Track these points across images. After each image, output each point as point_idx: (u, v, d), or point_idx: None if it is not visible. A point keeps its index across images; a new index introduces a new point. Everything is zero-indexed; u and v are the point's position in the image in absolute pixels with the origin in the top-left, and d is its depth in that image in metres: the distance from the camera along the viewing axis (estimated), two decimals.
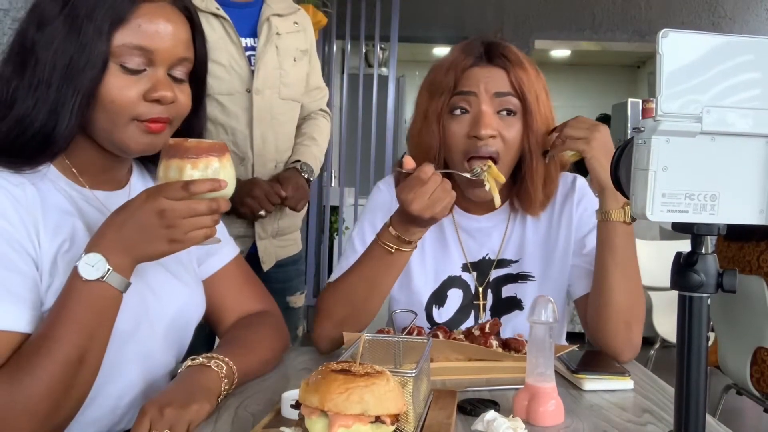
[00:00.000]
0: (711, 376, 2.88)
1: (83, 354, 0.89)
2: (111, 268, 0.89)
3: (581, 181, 1.41)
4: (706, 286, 0.67)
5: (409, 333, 1.20)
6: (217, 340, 1.22)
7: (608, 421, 0.98)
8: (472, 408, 0.98)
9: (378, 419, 0.75)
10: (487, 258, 1.39)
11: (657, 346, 3.51)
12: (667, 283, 0.70)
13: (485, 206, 1.37)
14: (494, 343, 1.17)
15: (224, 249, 1.21)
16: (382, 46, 5.50)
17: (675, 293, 0.70)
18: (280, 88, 1.77)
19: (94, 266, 0.89)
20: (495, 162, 1.23)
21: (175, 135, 1.05)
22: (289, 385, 1.06)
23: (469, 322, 1.36)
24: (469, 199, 1.32)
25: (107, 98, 0.96)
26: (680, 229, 0.67)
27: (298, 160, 1.81)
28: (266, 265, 1.79)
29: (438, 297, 1.38)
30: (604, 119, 6.17)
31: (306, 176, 1.79)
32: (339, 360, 0.82)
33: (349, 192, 5.09)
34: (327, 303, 1.26)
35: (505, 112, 1.27)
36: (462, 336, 1.20)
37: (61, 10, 0.95)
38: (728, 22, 5.58)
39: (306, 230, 4.55)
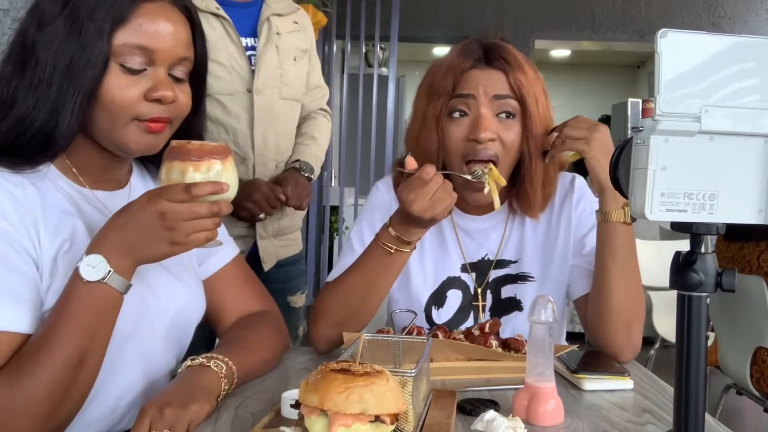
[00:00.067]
0: (711, 376, 2.88)
1: (84, 355, 0.89)
2: (112, 270, 0.89)
3: (580, 180, 1.41)
4: (705, 285, 0.67)
5: (409, 333, 1.20)
6: (218, 340, 1.22)
7: (608, 421, 0.98)
8: (471, 408, 0.98)
9: (377, 419, 0.76)
10: (486, 258, 1.39)
11: (657, 346, 3.51)
12: (667, 283, 0.70)
13: (484, 207, 1.36)
14: (494, 342, 1.17)
15: (224, 249, 1.21)
16: (382, 46, 5.51)
17: (675, 293, 0.70)
18: (281, 88, 1.77)
19: (95, 267, 0.89)
20: (494, 165, 1.23)
21: (175, 135, 1.05)
22: (288, 384, 1.06)
23: (469, 322, 1.36)
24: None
25: (108, 98, 0.96)
26: (679, 228, 0.67)
27: (298, 160, 1.81)
28: (267, 265, 1.79)
29: (437, 298, 1.38)
30: (606, 120, 6.17)
31: (306, 175, 1.79)
32: (339, 360, 0.82)
33: (349, 192, 5.09)
34: (325, 303, 1.26)
35: (504, 115, 1.26)
36: (462, 336, 1.20)
37: (61, 10, 0.95)
38: (728, 22, 5.58)
39: (306, 230, 4.55)
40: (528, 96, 1.26)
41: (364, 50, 5.35)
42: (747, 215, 0.66)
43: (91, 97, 0.95)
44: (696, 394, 0.68)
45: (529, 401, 0.96)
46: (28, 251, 0.93)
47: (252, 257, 1.77)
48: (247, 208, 1.67)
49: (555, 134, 1.28)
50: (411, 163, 1.15)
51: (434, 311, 1.38)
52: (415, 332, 1.21)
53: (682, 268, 0.68)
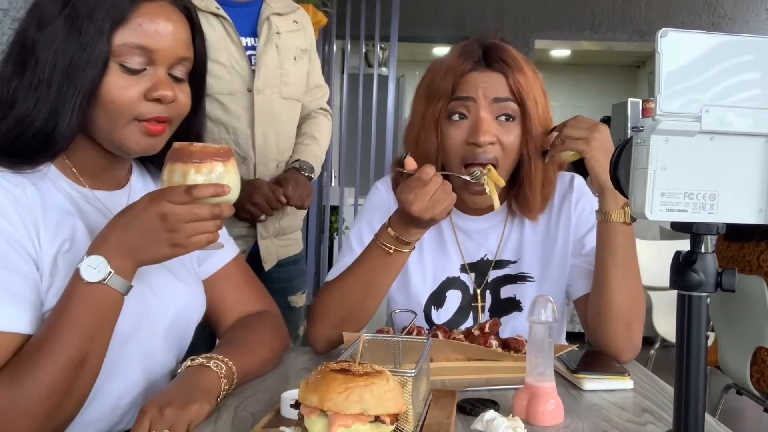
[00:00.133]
0: (711, 376, 2.88)
1: (84, 356, 0.89)
2: (112, 271, 0.89)
3: (579, 180, 1.40)
4: (705, 285, 0.67)
5: (409, 333, 1.20)
6: (218, 340, 1.22)
7: (608, 420, 0.98)
8: (471, 408, 0.98)
9: (377, 419, 0.75)
10: (485, 259, 1.39)
11: (657, 346, 3.51)
12: (667, 283, 0.70)
13: (483, 207, 1.36)
14: (494, 342, 1.17)
15: (224, 249, 1.21)
16: (382, 46, 5.51)
17: (675, 293, 0.70)
18: (281, 88, 1.77)
19: (95, 268, 0.89)
20: (494, 168, 1.23)
21: (175, 135, 1.05)
22: (288, 385, 1.06)
23: (468, 323, 1.36)
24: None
25: (108, 98, 0.96)
26: (679, 228, 0.67)
27: (299, 159, 1.81)
28: (268, 265, 1.79)
29: (436, 298, 1.38)
30: (607, 121, 6.17)
31: (307, 174, 1.79)
32: (338, 360, 0.82)
33: (349, 192, 5.09)
34: (324, 304, 1.26)
35: (503, 118, 1.26)
36: (462, 336, 1.20)
37: (61, 10, 0.95)
38: (728, 22, 5.58)
39: (306, 230, 4.55)
40: (528, 98, 1.26)
41: (364, 50, 5.35)
42: (747, 215, 0.66)
43: (91, 97, 0.95)
44: (696, 394, 0.68)
45: (529, 401, 0.96)
46: (28, 251, 0.93)
47: (253, 257, 1.77)
48: (249, 210, 1.67)
49: (555, 134, 1.28)
50: (410, 163, 1.14)
51: (433, 311, 1.37)
52: (415, 332, 1.21)
53: (682, 267, 0.68)
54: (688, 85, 0.64)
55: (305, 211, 1.90)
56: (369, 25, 4.76)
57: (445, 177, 1.15)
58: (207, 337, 1.40)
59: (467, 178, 1.22)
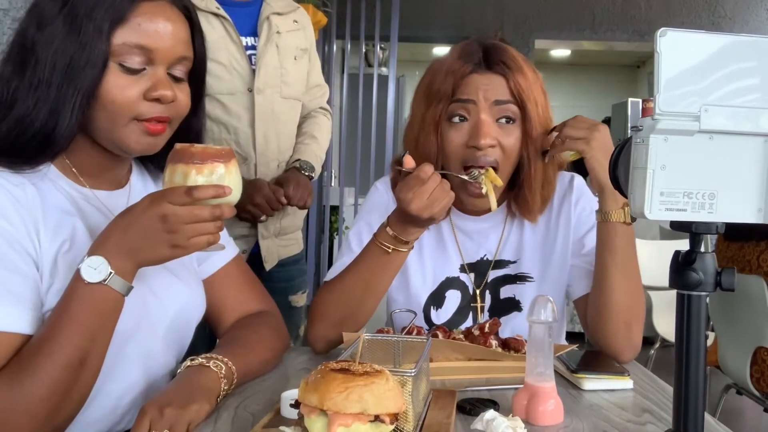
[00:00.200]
0: (711, 376, 2.88)
1: (84, 356, 0.89)
2: (113, 272, 0.89)
3: (579, 180, 1.40)
4: (704, 284, 0.67)
5: (409, 333, 1.20)
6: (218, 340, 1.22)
7: (608, 420, 0.98)
8: (471, 407, 0.98)
9: (377, 418, 0.76)
10: (484, 259, 1.39)
11: (657, 345, 3.51)
12: (667, 283, 0.70)
13: (483, 209, 1.36)
14: (494, 342, 1.17)
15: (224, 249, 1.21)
16: (382, 45, 5.51)
17: (675, 293, 0.70)
18: (281, 87, 1.77)
19: (96, 269, 0.89)
20: (495, 170, 1.24)
21: (175, 134, 1.05)
22: (288, 384, 1.06)
23: (468, 323, 1.36)
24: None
25: (107, 98, 0.96)
26: (678, 227, 0.67)
27: (299, 159, 1.81)
28: (269, 265, 1.79)
29: (436, 298, 1.38)
30: (608, 122, 6.17)
31: (307, 174, 1.79)
32: (338, 359, 0.82)
33: (349, 192, 5.09)
34: (323, 303, 1.26)
35: (504, 120, 1.26)
36: (461, 336, 1.20)
37: (60, 10, 0.95)
38: (728, 22, 5.58)
39: (306, 230, 4.55)
40: (528, 101, 1.25)
41: (364, 50, 5.35)
42: (746, 214, 0.66)
43: (91, 96, 0.95)
44: (695, 394, 0.68)
45: (529, 401, 0.96)
46: (28, 251, 0.93)
47: (254, 257, 1.77)
48: (249, 211, 1.67)
49: (554, 134, 1.28)
50: (409, 161, 1.14)
51: (433, 312, 1.37)
52: (414, 332, 1.21)
53: (681, 267, 0.68)
54: (687, 84, 0.64)
55: (306, 211, 1.90)
56: (369, 25, 4.76)
57: (443, 176, 1.15)
58: (207, 337, 1.40)
59: (465, 177, 1.22)
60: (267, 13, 1.75)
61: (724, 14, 5.60)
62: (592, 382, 1.11)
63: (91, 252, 0.90)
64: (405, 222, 1.16)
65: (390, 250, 1.18)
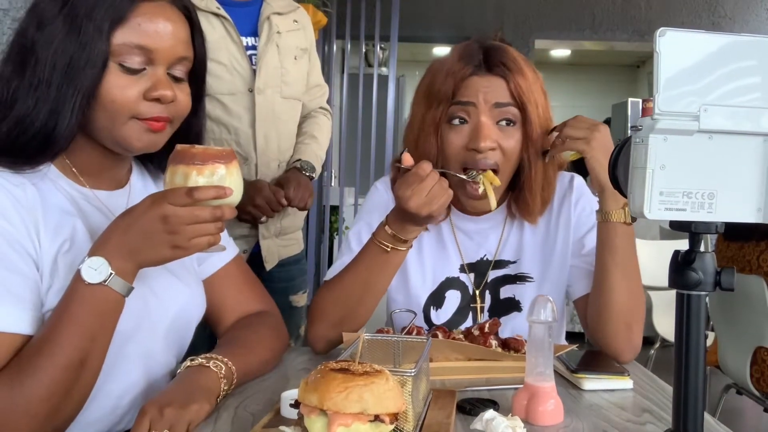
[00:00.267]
0: (711, 376, 2.88)
1: (84, 357, 0.89)
2: (113, 272, 0.89)
3: (579, 180, 1.40)
4: (704, 284, 0.67)
5: (409, 333, 1.20)
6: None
7: (608, 420, 0.98)
8: (471, 407, 0.98)
9: (377, 418, 0.76)
10: (484, 259, 1.39)
11: (657, 345, 3.51)
12: (667, 283, 0.70)
13: (483, 210, 1.36)
14: (493, 342, 1.17)
15: None
16: (382, 45, 5.51)
17: (675, 293, 0.70)
18: (282, 87, 1.77)
19: (96, 270, 0.89)
20: (495, 173, 1.24)
21: (175, 134, 1.05)
22: (288, 384, 1.06)
23: (468, 323, 1.36)
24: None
25: (108, 97, 0.96)
26: (678, 227, 0.67)
27: (300, 159, 1.81)
28: (269, 265, 1.79)
29: (436, 298, 1.38)
30: (608, 122, 6.17)
31: (308, 174, 1.79)
32: (338, 359, 0.82)
33: (349, 192, 5.09)
34: (322, 303, 1.26)
35: (504, 122, 1.25)
36: (461, 336, 1.20)
37: (60, 10, 0.95)
38: (728, 22, 5.58)
39: (306, 230, 4.56)
40: (529, 103, 1.25)
41: (364, 50, 5.35)
42: (746, 214, 0.66)
43: (91, 96, 0.95)
44: (695, 393, 0.68)
45: (529, 401, 0.96)
46: (28, 251, 0.93)
47: (254, 257, 1.77)
48: (250, 212, 1.67)
49: (555, 134, 1.28)
50: (408, 159, 1.14)
51: (433, 312, 1.37)
52: (414, 332, 1.21)
53: (681, 267, 0.68)
54: (687, 84, 0.64)
55: (306, 211, 1.91)
56: (369, 25, 4.76)
57: (442, 175, 1.15)
58: (207, 337, 1.40)
59: (463, 177, 1.22)
60: (267, 13, 1.75)
61: (724, 14, 5.60)
62: (592, 382, 1.11)
63: (92, 253, 0.90)
64: (403, 220, 1.16)
65: (389, 249, 1.18)
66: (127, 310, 0.94)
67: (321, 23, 3.71)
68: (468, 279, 1.38)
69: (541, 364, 0.96)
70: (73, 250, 0.97)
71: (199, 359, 1.02)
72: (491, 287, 1.38)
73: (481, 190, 1.22)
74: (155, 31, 0.98)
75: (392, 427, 0.78)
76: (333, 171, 5.32)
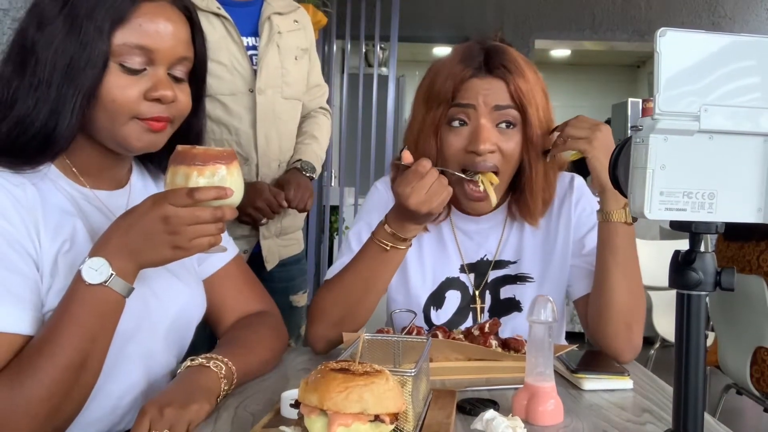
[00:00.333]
0: (711, 376, 2.88)
1: (85, 357, 0.89)
2: (114, 273, 0.89)
3: (579, 180, 1.40)
4: (704, 284, 0.67)
5: (409, 333, 1.20)
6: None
7: (608, 420, 0.98)
8: (471, 407, 0.98)
9: (377, 418, 0.76)
10: (485, 259, 1.39)
11: (657, 345, 3.51)
12: (667, 283, 0.70)
13: (483, 211, 1.36)
14: (494, 342, 1.17)
15: None
16: (382, 45, 5.51)
17: (675, 293, 0.70)
18: (283, 88, 1.77)
19: (97, 270, 0.89)
20: (495, 175, 1.24)
21: (175, 135, 1.05)
22: (288, 384, 1.06)
23: (468, 323, 1.36)
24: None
25: (108, 98, 0.96)
26: (678, 227, 0.67)
27: (300, 160, 1.81)
28: (270, 265, 1.79)
29: (436, 299, 1.38)
30: (608, 123, 6.17)
31: (308, 175, 1.79)
32: (338, 359, 0.82)
33: (349, 192, 5.09)
34: (322, 303, 1.26)
35: (504, 125, 1.25)
36: (461, 336, 1.20)
37: (60, 10, 0.95)
38: (728, 22, 5.59)
39: (306, 230, 4.56)
40: (529, 105, 1.24)
41: (364, 50, 5.34)
42: (746, 214, 0.66)
43: (91, 96, 0.95)
44: (695, 393, 0.68)
45: (529, 401, 0.96)
46: (28, 252, 0.93)
47: (255, 257, 1.77)
48: (250, 215, 1.67)
49: (556, 134, 1.28)
50: (407, 156, 1.15)
51: (433, 312, 1.37)
52: (414, 332, 1.22)
53: (681, 267, 0.68)
54: (687, 84, 0.64)
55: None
56: (369, 25, 4.76)
57: (441, 173, 1.15)
58: (207, 337, 1.40)
59: (462, 176, 1.22)
60: (268, 13, 1.75)
61: (724, 14, 5.60)
62: (592, 382, 1.11)
63: (93, 253, 0.90)
64: (403, 218, 1.16)
65: (389, 248, 1.18)
66: (127, 311, 0.94)
67: (321, 23, 3.71)
68: (468, 279, 1.38)
69: (541, 364, 0.96)
70: (73, 250, 0.97)
71: (200, 359, 1.02)
72: (491, 287, 1.38)
73: (481, 189, 1.22)
74: (156, 31, 0.98)
75: (392, 427, 0.78)
76: (333, 171, 5.32)
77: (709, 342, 2.81)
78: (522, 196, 1.32)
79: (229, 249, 1.23)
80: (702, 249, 0.68)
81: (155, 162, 1.15)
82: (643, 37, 5.63)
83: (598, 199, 1.26)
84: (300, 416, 0.79)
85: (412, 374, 0.84)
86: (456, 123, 1.25)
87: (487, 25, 5.48)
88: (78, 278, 0.89)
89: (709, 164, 0.65)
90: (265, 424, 0.90)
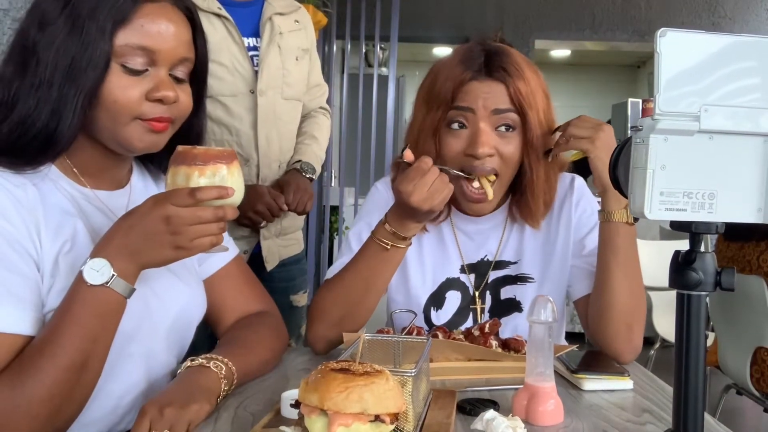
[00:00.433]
0: (711, 376, 2.88)
1: (86, 358, 0.89)
2: (115, 274, 0.89)
3: (579, 181, 1.40)
4: (704, 284, 0.67)
5: (409, 333, 1.20)
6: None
7: (608, 420, 0.98)
8: (471, 408, 0.98)
9: (377, 418, 0.76)
10: (485, 259, 1.39)
11: (657, 346, 3.51)
12: (667, 283, 0.70)
13: (483, 212, 1.36)
14: (494, 343, 1.17)
15: None
16: (382, 46, 5.51)
17: (675, 293, 0.70)
18: (283, 88, 1.77)
19: (98, 271, 0.89)
20: (495, 176, 1.24)
21: (175, 135, 1.05)
22: (288, 384, 1.06)
23: (468, 323, 1.36)
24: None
25: (110, 98, 0.96)
26: (678, 227, 0.67)
27: (300, 160, 1.81)
28: (270, 265, 1.79)
29: (436, 299, 1.38)
30: (609, 123, 6.17)
31: (308, 175, 1.79)
32: (338, 359, 0.82)
33: (349, 192, 5.09)
34: (322, 303, 1.26)
35: (503, 128, 1.25)
36: (462, 336, 1.20)
37: (62, 10, 0.95)
38: (728, 22, 5.59)
39: (306, 230, 4.56)
40: (529, 108, 1.24)
41: (364, 50, 5.34)
42: (746, 214, 0.66)
43: (93, 97, 0.95)
44: (695, 393, 0.68)
45: (529, 401, 0.96)
46: (29, 252, 0.93)
47: (255, 257, 1.77)
48: (250, 218, 1.67)
49: (558, 133, 1.28)
50: (409, 155, 1.15)
51: (433, 312, 1.37)
52: (414, 332, 1.22)
53: (681, 267, 0.68)
54: (687, 84, 0.64)
55: None
56: (369, 25, 4.76)
57: (442, 171, 1.15)
58: (207, 337, 1.41)
59: (461, 174, 1.23)
60: (269, 13, 1.75)
61: (724, 14, 5.60)
62: (592, 383, 1.11)
63: (94, 254, 0.90)
64: (403, 217, 1.16)
65: (389, 247, 1.18)
66: (128, 311, 0.94)
67: (321, 23, 3.71)
68: (468, 280, 1.38)
69: (541, 365, 0.96)
70: (74, 251, 0.97)
71: (200, 359, 1.02)
72: (492, 288, 1.38)
73: (476, 186, 1.23)
74: (158, 32, 0.98)
75: (392, 427, 0.78)
76: (333, 171, 5.32)
77: (709, 342, 2.81)
78: (523, 198, 1.32)
79: (230, 249, 1.23)
80: (702, 249, 0.68)
81: (155, 162, 1.15)
82: (643, 37, 5.63)
83: (599, 199, 1.26)
84: (300, 416, 0.79)
85: (413, 374, 0.84)
86: (455, 125, 1.25)
87: (487, 25, 5.48)
88: (79, 279, 0.89)
89: (709, 164, 0.65)
90: (265, 424, 0.91)
